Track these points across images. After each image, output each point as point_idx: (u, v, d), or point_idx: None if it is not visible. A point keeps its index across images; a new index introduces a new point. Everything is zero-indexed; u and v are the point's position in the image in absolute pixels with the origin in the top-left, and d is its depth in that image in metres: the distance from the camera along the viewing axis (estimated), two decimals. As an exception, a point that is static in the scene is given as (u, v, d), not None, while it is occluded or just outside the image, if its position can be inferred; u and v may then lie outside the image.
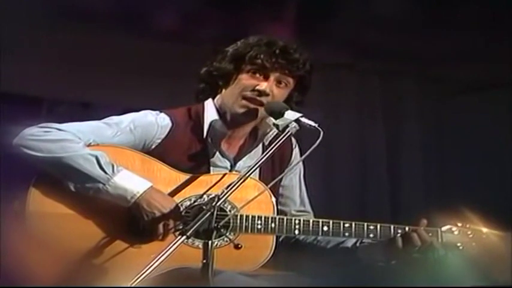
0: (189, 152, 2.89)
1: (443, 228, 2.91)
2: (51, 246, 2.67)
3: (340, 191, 5.57)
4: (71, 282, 2.63)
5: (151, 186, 2.71)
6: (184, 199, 2.77)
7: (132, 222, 2.72)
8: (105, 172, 2.68)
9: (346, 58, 5.57)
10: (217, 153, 2.94)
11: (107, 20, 4.64)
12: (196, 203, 2.76)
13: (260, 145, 3.01)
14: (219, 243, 2.68)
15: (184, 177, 2.81)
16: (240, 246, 2.51)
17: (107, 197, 2.69)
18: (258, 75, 2.88)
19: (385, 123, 5.84)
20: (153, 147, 2.88)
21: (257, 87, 2.86)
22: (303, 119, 2.65)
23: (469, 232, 2.91)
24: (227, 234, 2.68)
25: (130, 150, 2.83)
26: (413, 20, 4.76)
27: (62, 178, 2.71)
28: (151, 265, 2.18)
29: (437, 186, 5.66)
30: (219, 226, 2.38)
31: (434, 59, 5.26)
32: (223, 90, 2.96)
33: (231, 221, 2.74)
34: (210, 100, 2.99)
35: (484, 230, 2.92)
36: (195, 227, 2.29)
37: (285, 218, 2.84)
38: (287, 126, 2.64)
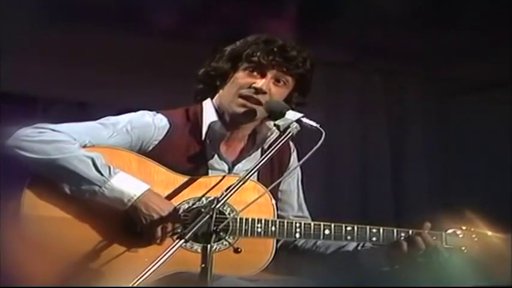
0: (187, 154, 2.88)
1: (448, 232, 2.91)
2: (46, 250, 2.66)
3: (341, 193, 5.56)
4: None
5: (149, 189, 2.70)
6: (183, 202, 2.76)
7: (129, 226, 2.70)
8: (101, 174, 2.67)
9: (348, 57, 5.56)
10: (216, 155, 2.93)
11: (104, 18, 4.62)
12: (194, 206, 2.75)
13: (259, 149, 3.00)
14: (218, 247, 2.66)
15: (182, 179, 2.80)
16: (239, 250, 2.48)
17: (103, 200, 2.67)
18: (255, 73, 2.87)
19: (388, 123, 5.83)
20: (150, 148, 2.86)
21: (253, 85, 2.85)
22: (304, 119, 2.63)
23: (473, 235, 2.91)
24: (226, 237, 2.66)
25: (126, 151, 2.82)
26: (417, 18, 4.76)
27: (56, 180, 2.69)
28: (148, 270, 2.16)
29: (441, 187, 5.65)
30: (218, 229, 2.34)
31: (437, 58, 5.26)
32: (221, 91, 2.95)
33: (231, 224, 2.73)
34: (208, 101, 2.97)
35: (489, 232, 2.91)
36: (193, 230, 2.28)
37: (286, 221, 2.84)
38: (288, 126, 2.62)
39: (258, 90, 2.84)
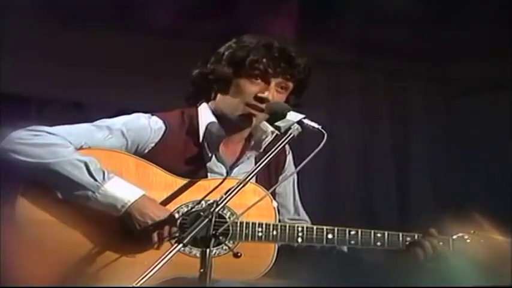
0: (184, 157, 2.87)
1: (455, 236, 2.91)
2: (41, 255, 2.64)
3: (344, 196, 5.55)
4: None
5: (144, 195, 2.69)
6: (181, 205, 2.75)
7: (125, 231, 2.68)
8: (95, 179, 2.65)
9: (350, 57, 5.55)
10: (214, 158, 2.91)
11: (99, 17, 4.61)
12: (193, 209, 2.73)
13: (255, 152, 2.99)
14: (217, 252, 2.65)
15: (181, 182, 2.78)
16: (239, 254, 2.44)
17: (97, 205, 2.65)
18: (259, 80, 2.86)
19: (391, 124, 5.82)
20: (146, 151, 2.84)
21: (259, 95, 2.84)
22: (306, 121, 2.60)
23: (481, 239, 2.90)
24: (226, 242, 2.63)
25: (124, 153, 2.81)
26: (420, 17, 4.75)
27: (49, 185, 2.67)
28: (146, 275, 2.14)
29: (447, 190, 5.63)
30: (217, 233, 2.32)
31: (443, 58, 5.26)
32: (218, 94, 2.93)
33: (230, 228, 2.72)
34: (204, 104, 2.96)
35: (496, 236, 2.90)
36: (192, 234, 2.25)
37: (287, 225, 2.82)
38: (289, 128, 2.59)
39: (264, 100, 2.84)
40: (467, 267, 2.87)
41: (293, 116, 2.64)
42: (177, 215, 2.72)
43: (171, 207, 2.74)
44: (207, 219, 2.28)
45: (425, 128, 5.82)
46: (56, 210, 2.67)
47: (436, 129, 5.80)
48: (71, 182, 2.64)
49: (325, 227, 2.84)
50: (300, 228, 2.81)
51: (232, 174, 2.91)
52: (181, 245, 2.24)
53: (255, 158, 3.00)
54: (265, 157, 2.51)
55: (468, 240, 2.90)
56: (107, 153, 2.76)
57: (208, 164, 2.90)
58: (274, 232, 2.77)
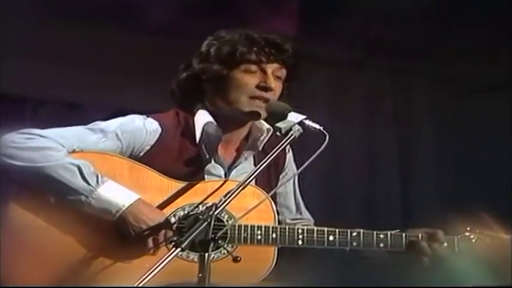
0: (181, 159, 2.85)
1: (460, 236, 2.90)
2: (34, 262, 2.63)
3: (347, 198, 5.55)
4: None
5: (139, 199, 2.66)
6: (177, 209, 2.72)
7: (121, 236, 2.66)
8: (88, 183, 2.63)
9: (353, 55, 5.54)
10: (212, 160, 2.90)
11: (95, 17, 4.60)
12: (191, 213, 2.71)
13: (253, 153, 2.98)
14: (216, 256, 2.64)
15: (177, 185, 2.76)
16: (239, 259, 2.42)
17: (90, 210, 2.63)
18: (255, 71, 2.86)
19: (396, 124, 5.82)
20: (141, 154, 2.82)
21: (261, 84, 2.84)
22: (307, 122, 2.59)
23: (487, 239, 2.90)
24: (225, 246, 2.62)
25: (118, 156, 2.78)
26: (426, 15, 4.74)
27: (42, 190, 2.65)
28: (142, 281, 2.12)
29: (453, 191, 5.63)
30: (216, 237, 2.30)
31: (449, 56, 5.25)
32: (214, 94, 2.91)
33: (229, 231, 2.70)
34: (198, 105, 2.95)
35: (501, 235, 2.90)
36: (190, 237, 2.23)
37: (287, 227, 2.80)
38: (290, 129, 2.58)
39: (268, 89, 2.84)
40: (473, 267, 2.86)
41: (294, 117, 2.63)
42: (173, 219, 2.70)
43: (167, 211, 2.71)
44: (205, 223, 2.26)
45: (430, 127, 5.82)
46: (49, 215, 2.65)
47: (440, 129, 5.80)
48: (64, 187, 2.62)
49: (326, 229, 2.82)
50: (300, 231, 2.79)
51: (230, 176, 2.91)
52: (179, 249, 2.21)
53: (254, 158, 2.99)
54: (265, 159, 2.49)
55: (473, 240, 2.90)
56: (101, 156, 2.74)
57: (205, 166, 2.88)
58: (274, 235, 2.75)
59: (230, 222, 2.69)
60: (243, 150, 2.97)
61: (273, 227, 2.76)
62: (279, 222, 2.89)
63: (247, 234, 2.72)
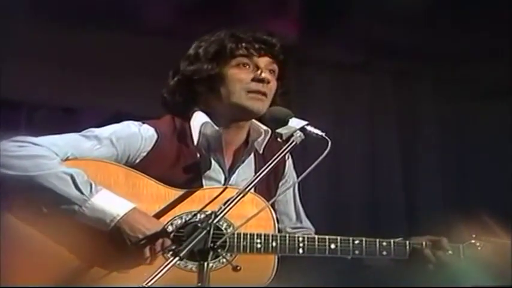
0: (178, 165, 2.83)
1: (465, 244, 2.90)
2: (29, 272, 2.61)
3: (349, 204, 5.53)
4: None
5: (134, 208, 2.65)
6: (175, 217, 2.71)
7: (116, 245, 2.64)
8: (82, 192, 2.61)
9: (356, 58, 5.53)
10: (212, 163, 2.89)
11: (91, 19, 4.60)
12: (189, 221, 2.69)
13: (252, 154, 2.97)
14: (214, 265, 2.62)
15: (174, 193, 2.74)
16: (239, 268, 2.40)
17: (84, 220, 2.61)
18: (247, 66, 2.88)
19: (399, 127, 5.81)
20: (137, 161, 2.81)
21: (257, 77, 2.85)
22: (309, 127, 2.59)
23: (493, 246, 2.90)
24: (224, 254, 2.61)
25: (113, 164, 2.77)
26: (431, 16, 4.74)
27: (35, 199, 2.63)
28: (140, 291, 2.12)
29: (457, 195, 5.61)
30: (215, 246, 2.30)
31: (453, 59, 5.24)
32: (210, 94, 2.91)
33: (228, 239, 2.68)
34: (193, 109, 2.94)
35: (508, 241, 2.89)
36: (189, 247, 2.22)
37: (287, 235, 2.79)
38: (291, 135, 2.56)
39: (263, 81, 2.85)
40: (479, 275, 2.86)
41: (295, 123, 2.61)
42: (170, 228, 2.69)
43: (165, 219, 2.70)
44: (205, 231, 2.25)
45: (433, 131, 5.81)
46: (42, 224, 2.63)
47: (444, 133, 5.78)
48: (57, 196, 2.60)
49: (327, 237, 2.81)
50: (300, 239, 2.78)
51: (232, 181, 2.90)
52: (177, 258, 2.20)
53: (255, 162, 2.98)
54: (266, 166, 2.48)
55: (479, 247, 2.89)
56: (95, 164, 2.73)
57: (204, 171, 2.87)
58: (274, 243, 2.74)
59: (229, 230, 2.68)
60: (243, 153, 2.96)
61: (272, 235, 2.75)
62: (279, 231, 2.88)
63: (246, 242, 2.71)
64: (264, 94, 2.85)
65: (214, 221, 2.29)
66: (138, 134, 2.82)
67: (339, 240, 2.81)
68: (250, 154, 2.96)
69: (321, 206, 5.13)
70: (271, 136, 2.88)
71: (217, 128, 2.87)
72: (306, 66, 5.47)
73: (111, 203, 2.63)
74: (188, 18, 4.61)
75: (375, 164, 5.72)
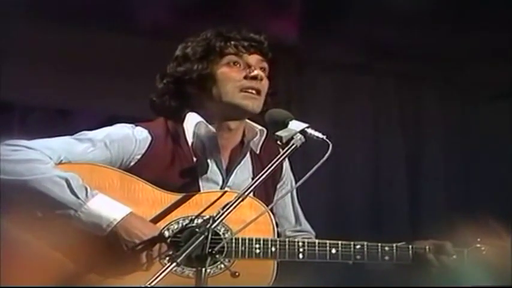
0: (173, 168, 2.81)
1: (470, 248, 2.89)
2: (24, 278, 2.59)
3: (352, 208, 5.53)
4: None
5: (131, 212, 2.63)
6: (171, 222, 2.69)
7: (113, 251, 2.62)
8: (77, 197, 2.59)
9: (359, 59, 5.53)
10: (210, 165, 2.87)
11: (87, 20, 4.59)
12: (187, 226, 2.68)
13: (248, 154, 2.96)
14: (212, 271, 2.60)
15: (171, 197, 2.72)
16: (237, 274, 2.40)
17: (80, 225, 2.60)
18: (238, 64, 2.87)
19: (403, 130, 5.82)
20: (132, 164, 2.79)
21: (250, 75, 2.84)
22: (310, 130, 2.55)
23: (498, 250, 2.87)
24: (222, 260, 2.59)
25: (108, 167, 2.75)
26: (435, 17, 4.74)
27: (29, 204, 2.61)
28: (136, 297, 2.11)
29: (461, 198, 5.61)
30: (214, 251, 2.29)
31: (458, 61, 5.24)
32: (201, 95, 2.88)
33: (226, 244, 2.66)
34: (186, 111, 2.92)
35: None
36: (186, 252, 2.21)
37: (287, 240, 2.77)
38: (291, 138, 2.54)
39: (257, 77, 2.84)
40: (485, 280, 2.85)
41: (295, 125, 2.58)
42: (167, 233, 2.67)
43: (161, 224, 2.68)
44: (202, 236, 2.24)
45: (438, 133, 5.81)
46: (37, 230, 2.62)
47: (448, 135, 5.78)
48: (52, 201, 2.58)
49: (328, 242, 2.79)
50: (300, 244, 2.76)
51: (230, 183, 2.89)
52: (174, 264, 2.19)
53: (252, 164, 2.97)
54: (265, 170, 2.46)
55: (484, 252, 2.88)
56: (89, 167, 2.71)
57: (201, 173, 2.85)
58: (273, 248, 2.72)
59: (227, 235, 2.66)
60: (240, 154, 2.94)
61: (272, 240, 2.72)
62: (278, 235, 2.87)
63: (245, 247, 2.69)
64: (258, 92, 2.84)
65: (212, 226, 2.27)
66: (131, 137, 2.81)
67: (340, 245, 2.79)
68: (246, 154, 2.94)
69: (322, 209, 5.13)
70: (267, 136, 2.88)
71: (211, 127, 2.86)
72: (307, 67, 5.48)
73: (107, 207, 2.61)
74: (186, 19, 4.60)
75: (377, 167, 5.72)
